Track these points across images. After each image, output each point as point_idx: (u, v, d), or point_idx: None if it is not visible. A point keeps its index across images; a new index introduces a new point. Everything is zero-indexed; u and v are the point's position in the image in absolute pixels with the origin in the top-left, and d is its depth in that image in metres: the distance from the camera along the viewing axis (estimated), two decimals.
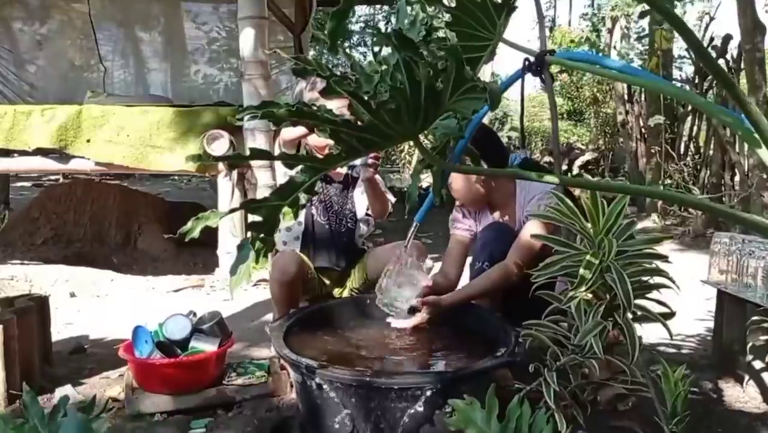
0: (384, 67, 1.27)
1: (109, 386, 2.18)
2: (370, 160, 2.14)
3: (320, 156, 2.28)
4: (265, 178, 3.53)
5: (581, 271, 1.58)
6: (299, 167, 1.28)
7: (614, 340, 1.73)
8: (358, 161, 2.13)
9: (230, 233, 3.50)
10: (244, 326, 2.90)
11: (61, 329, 2.78)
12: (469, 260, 2.29)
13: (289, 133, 2.20)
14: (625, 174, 9.32)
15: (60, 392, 2.09)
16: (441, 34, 1.44)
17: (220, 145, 3.34)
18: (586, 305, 1.67)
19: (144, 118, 3.47)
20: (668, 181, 6.34)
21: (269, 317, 3.02)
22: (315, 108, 1.21)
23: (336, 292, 2.35)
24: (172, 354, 1.96)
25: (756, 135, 0.81)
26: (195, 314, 2.14)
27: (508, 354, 1.70)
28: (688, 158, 6.25)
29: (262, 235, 1.36)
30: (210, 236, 4.59)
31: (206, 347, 1.99)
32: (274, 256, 2.28)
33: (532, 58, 1.55)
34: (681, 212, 6.19)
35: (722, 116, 0.96)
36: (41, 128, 3.44)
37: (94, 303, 3.34)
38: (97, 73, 5.96)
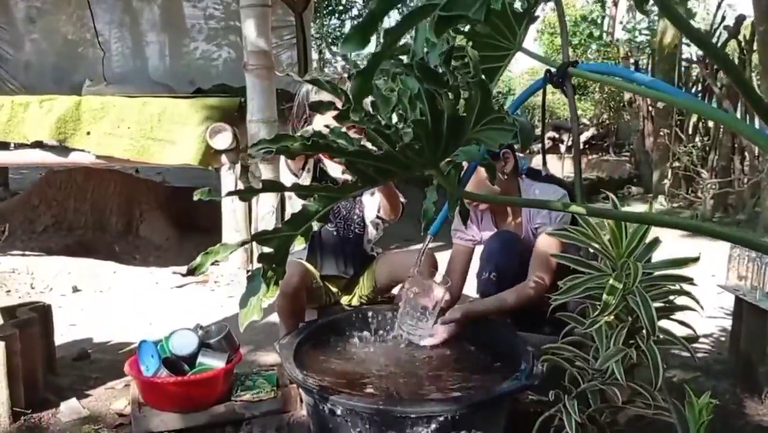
0: (400, 86, 1.20)
1: (114, 398, 2.13)
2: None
3: (329, 161, 2.22)
4: (269, 172, 3.46)
5: (605, 297, 1.52)
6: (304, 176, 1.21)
7: (634, 361, 1.68)
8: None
9: (234, 230, 3.43)
10: (248, 327, 2.86)
11: (64, 331, 2.73)
12: (474, 269, 2.24)
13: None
14: (630, 151, 9.24)
15: (65, 406, 2.05)
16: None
17: (224, 139, 3.27)
18: (607, 327, 1.62)
19: (145, 110, 3.38)
20: (676, 163, 6.26)
21: (274, 316, 2.98)
22: (329, 131, 1.15)
23: (344, 300, 2.29)
24: (180, 371, 1.91)
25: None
26: (201, 327, 2.08)
27: (526, 377, 1.65)
28: (697, 140, 6.16)
29: (273, 265, 1.31)
30: (213, 222, 4.54)
31: (214, 363, 1.94)
32: None
33: (553, 70, 1.48)
34: (688, 195, 6.13)
35: (741, 128, 0.91)
36: (40, 120, 3.36)
37: (97, 300, 3.29)
38: (93, 49, 5.86)
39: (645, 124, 7.58)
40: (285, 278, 2.05)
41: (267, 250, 1.31)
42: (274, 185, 1.31)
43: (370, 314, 2.11)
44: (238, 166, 3.35)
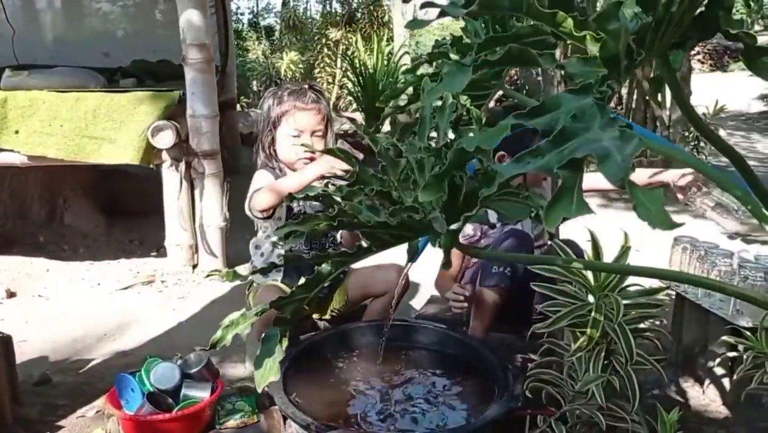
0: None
1: (89, 428, 2.10)
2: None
3: (292, 171, 2.22)
4: (213, 167, 3.40)
5: (589, 330, 1.63)
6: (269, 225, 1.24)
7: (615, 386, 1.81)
8: None
9: (180, 226, 3.36)
10: (209, 332, 2.84)
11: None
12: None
13: (264, 200, 2.09)
14: None
15: None
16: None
17: (166, 137, 3.17)
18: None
19: (78, 106, 3.22)
20: None
21: (234, 317, 2.97)
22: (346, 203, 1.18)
23: (316, 316, 2.32)
24: (164, 405, 1.91)
25: None
26: (180, 357, 2.07)
27: (510, 398, 1.76)
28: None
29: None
30: (142, 206, 4.42)
31: (199, 394, 1.95)
32: (256, 292, 2.22)
33: None
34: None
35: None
36: None
37: (38, 307, 3.16)
38: None
39: (558, 88, 7.82)
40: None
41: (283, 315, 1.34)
42: (297, 258, 1.32)
43: (346, 332, 2.16)
44: (182, 164, 3.26)
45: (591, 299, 1.73)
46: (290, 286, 2.24)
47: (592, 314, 1.65)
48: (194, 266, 3.50)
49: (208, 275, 3.44)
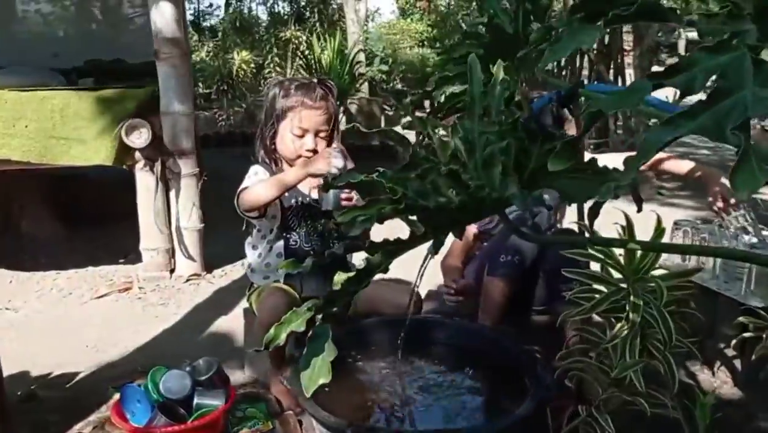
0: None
1: None
2: (343, 203, 1.97)
3: (292, 166, 2.12)
4: (189, 167, 3.26)
5: (632, 315, 1.59)
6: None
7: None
8: (328, 206, 1.98)
9: (158, 230, 3.21)
10: (196, 339, 2.72)
11: None
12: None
13: (254, 195, 1.99)
14: None
15: None
16: None
17: (141, 136, 3.01)
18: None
19: (44, 105, 3.03)
20: None
21: (221, 321, 2.86)
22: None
23: (320, 315, 2.21)
24: (177, 416, 1.79)
25: None
26: (189, 364, 1.95)
27: (543, 389, 1.71)
28: None
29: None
30: (103, 212, 4.23)
31: (213, 402, 1.83)
32: (258, 294, 2.11)
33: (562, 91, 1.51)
34: None
35: None
36: None
37: (8, 321, 2.96)
38: None
39: None
40: (270, 312, 1.96)
41: (333, 309, 1.26)
42: (355, 245, 1.26)
43: (362, 329, 2.07)
44: (158, 165, 3.11)
45: (623, 284, 1.69)
46: (293, 287, 2.14)
47: (631, 298, 1.62)
48: (171, 271, 3.35)
49: (187, 280, 3.30)
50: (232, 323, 2.82)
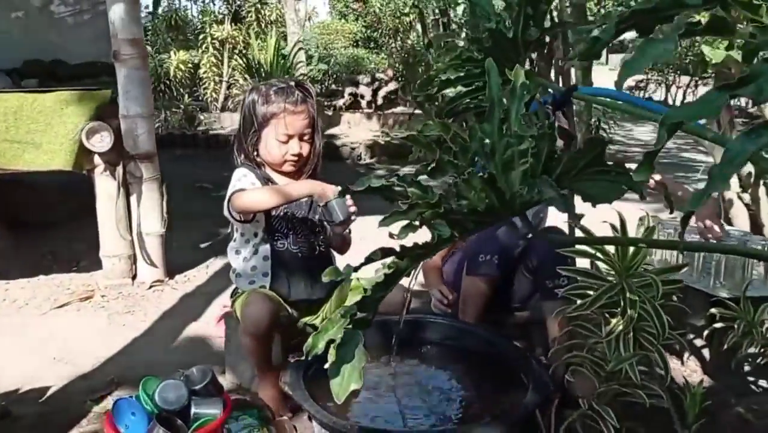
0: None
1: None
2: (353, 217, 1.99)
3: (278, 173, 2.10)
4: (151, 171, 3.18)
5: (629, 311, 1.65)
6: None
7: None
8: (339, 216, 1.98)
9: (120, 236, 3.11)
10: (168, 346, 2.66)
11: None
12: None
13: (254, 201, 1.99)
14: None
15: None
16: None
17: (103, 140, 2.92)
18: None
19: None
20: None
21: (193, 328, 2.81)
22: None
23: (306, 319, 2.20)
24: (175, 427, 1.75)
25: None
26: (182, 372, 1.91)
27: (541, 386, 1.75)
28: None
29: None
30: (48, 217, 4.07)
31: (212, 411, 1.80)
32: (244, 298, 2.07)
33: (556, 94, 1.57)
34: None
35: None
36: None
37: None
38: None
39: None
40: (255, 320, 1.95)
41: (361, 315, 1.26)
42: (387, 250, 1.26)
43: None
44: (119, 169, 3.02)
45: (614, 279, 1.76)
46: (280, 292, 2.12)
47: (627, 294, 1.68)
48: (133, 278, 3.26)
49: (150, 286, 3.21)
50: (204, 329, 2.77)
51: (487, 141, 1.19)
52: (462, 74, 1.50)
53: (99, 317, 2.94)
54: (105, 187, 3.07)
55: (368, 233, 1.48)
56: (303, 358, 1.91)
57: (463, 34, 1.62)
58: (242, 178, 2.08)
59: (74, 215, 4.28)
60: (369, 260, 1.25)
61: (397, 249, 1.16)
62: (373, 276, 1.21)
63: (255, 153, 2.13)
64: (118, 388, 2.30)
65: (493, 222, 1.31)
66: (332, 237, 2.18)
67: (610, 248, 1.77)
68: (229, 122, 8.71)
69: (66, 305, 3.05)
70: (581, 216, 1.04)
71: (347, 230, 2.15)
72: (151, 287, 3.21)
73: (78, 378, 2.39)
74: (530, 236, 2.34)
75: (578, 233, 1.80)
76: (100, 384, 2.33)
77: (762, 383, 2.26)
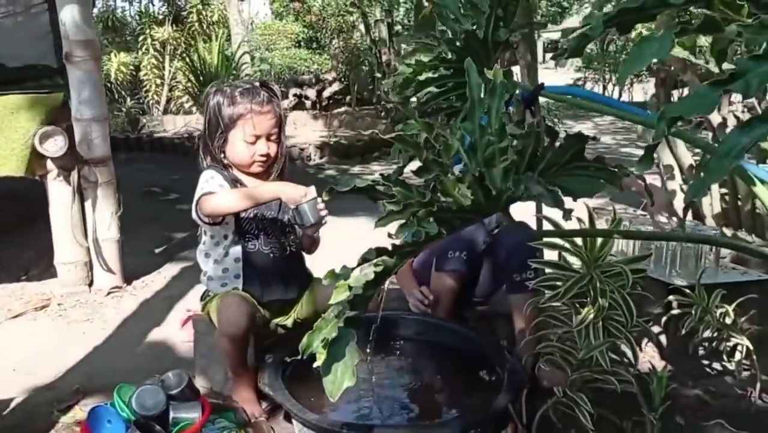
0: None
1: None
2: (324, 220, 1.98)
3: (246, 174, 2.10)
4: (105, 175, 3.12)
5: (600, 300, 1.72)
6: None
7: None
8: (310, 219, 1.97)
9: (75, 242, 3.04)
10: (132, 353, 2.61)
11: None
12: None
13: (223, 204, 1.97)
14: (375, 106, 9.77)
15: None
16: None
17: (56, 144, 2.85)
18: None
19: None
20: None
21: (156, 334, 2.77)
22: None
23: (278, 320, 2.20)
24: None
25: None
26: (158, 378, 1.89)
27: (515, 376, 1.81)
28: None
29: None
30: None
31: (190, 415, 1.79)
32: (218, 301, 2.06)
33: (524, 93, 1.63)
34: None
35: None
36: None
37: None
38: None
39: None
40: (234, 322, 1.95)
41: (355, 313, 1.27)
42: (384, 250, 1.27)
43: None
44: (74, 174, 2.95)
45: (583, 270, 1.82)
46: (252, 294, 2.12)
47: (597, 284, 1.75)
48: (90, 285, 3.19)
49: (108, 293, 3.15)
50: (167, 334, 2.74)
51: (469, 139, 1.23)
52: (436, 75, 1.53)
53: (57, 325, 2.86)
54: (59, 192, 2.99)
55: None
56: (280, 358, 1.93)
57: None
58: (210, 180, 2.06)
59: (21, 222, 4.17)
60: (364, 259, 1.27)
61: (389, 248, 1.19)
62: (360, 274, 1.23)
63: (222, 155, 2.12)
64: (85, 397, 2.25)
65: (480, 219, 1.35)
66: (302, 238, 2.19)
67: (578, 240, 1.84)
68: (172, 125, 8.57)
69: (21, 314, 2.96)
70: (571, 210, 1.08)
71: (316, 232, 2.16)
72: (109, 293, 3.15)
73: (42, 389, 2.33)
74: (496, 231, 2.40)
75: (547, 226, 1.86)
76: (65, 394, 2.27)
77: (717, 366, 2.37)
